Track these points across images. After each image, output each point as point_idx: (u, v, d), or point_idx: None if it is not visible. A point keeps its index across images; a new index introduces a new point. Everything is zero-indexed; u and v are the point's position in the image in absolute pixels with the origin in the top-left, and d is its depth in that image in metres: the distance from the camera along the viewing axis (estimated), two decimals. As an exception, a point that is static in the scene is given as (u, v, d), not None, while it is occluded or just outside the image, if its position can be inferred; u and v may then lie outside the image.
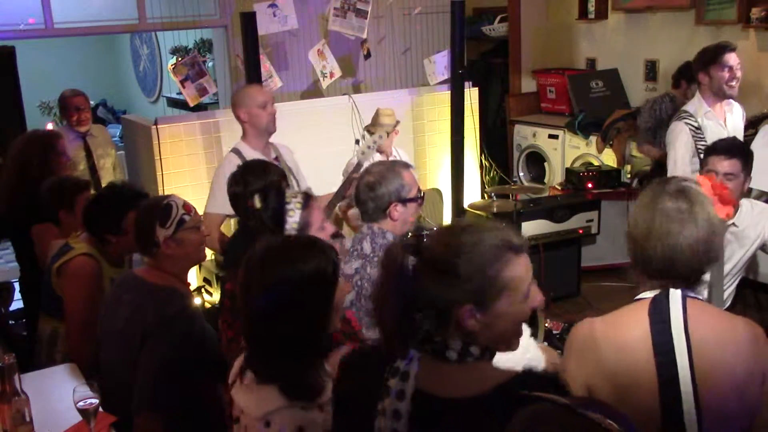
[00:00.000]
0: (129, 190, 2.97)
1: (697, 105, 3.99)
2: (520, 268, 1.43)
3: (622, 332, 1.77)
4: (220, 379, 2.08)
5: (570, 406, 1.11)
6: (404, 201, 2.63)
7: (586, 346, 1.79)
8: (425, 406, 1.38)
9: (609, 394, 1.73)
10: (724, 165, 3.03)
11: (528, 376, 1.42)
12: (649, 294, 1.79)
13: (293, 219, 2.41)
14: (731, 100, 4.07)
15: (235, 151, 3.63)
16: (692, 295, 1.77)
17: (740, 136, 4.09)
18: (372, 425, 1.41)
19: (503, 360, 1.47)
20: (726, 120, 4.02)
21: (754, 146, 3.91)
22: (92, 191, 3.57)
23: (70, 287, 2.84)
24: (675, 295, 1.75)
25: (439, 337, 1.42)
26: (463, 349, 1.40)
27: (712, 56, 3.94)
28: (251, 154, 3.55)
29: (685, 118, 3.93)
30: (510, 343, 1.48)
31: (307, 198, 2.48)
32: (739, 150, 3.14)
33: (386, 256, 1.46)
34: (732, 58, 3.90)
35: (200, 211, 4.82)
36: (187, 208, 2.48)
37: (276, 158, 3.72)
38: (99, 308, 2.68)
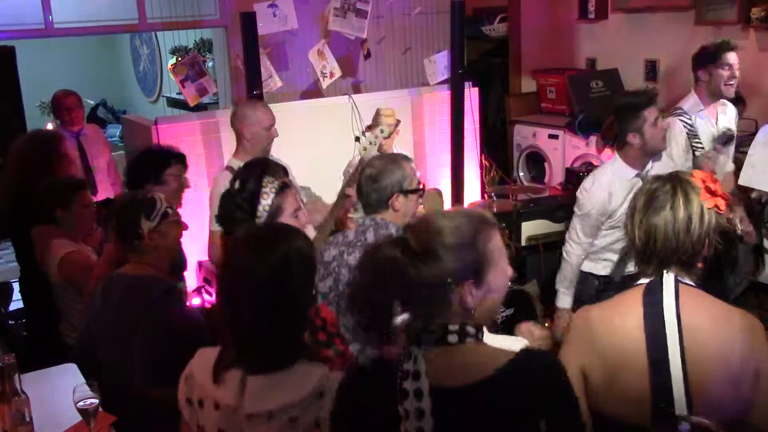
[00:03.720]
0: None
1: (692, 103, 3.99)
2: (498, 240, 1.54)
3: (616, 315, 1.83)
4: None
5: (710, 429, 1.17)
6: (406, 192, 2.66)
7: (583, 328, 1.85)
8: (442, 400, 1.42)
9: (601, 374, 1.79)
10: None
11: (527, 355, 1.49)
12: (645, 280, 1.84)
13: (266, 202, 2.44)
14: (725, 101, 4.07)
15: (229, 168, 3.60)
16: (686, 281, 1.81)
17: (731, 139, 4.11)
18: (395, 430, 1.43)
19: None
20: (717, 120, 4.02)
21: (754, 146, 3.90)
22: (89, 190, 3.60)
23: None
24: (668, 280, 1.79)
25: (436, 324, 1.47)
26: (461, 329, 1.46)
27: (713, 54, 3.93)
28: None
29: (679, 115, 3.93)
30: (494, 316, 1.61)
31: (284, 185, 2.51)
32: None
33: (378, 260, 1.49)
34: (732, 57, 3.90)
35: (196, 212, 4.83)
36: (169, 202, 2.61)
37: None
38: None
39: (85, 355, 2.64)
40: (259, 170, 2.54)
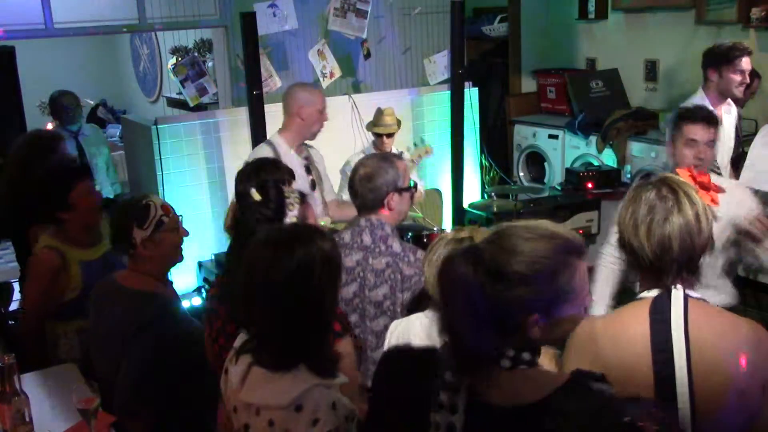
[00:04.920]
0: (66, 167, 3.19)
1: (699, 102, 3.93)
2: (583, 272, 1.42)
3: (621, 329, 1.78)
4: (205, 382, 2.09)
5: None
6: (400, 190, 2.66)
7: (586, 341, 1.79)
8: (479, 416, 1.36)
9: None
10: (706, 134, 2.89)
11: (579, 379, 1.41)
12: (650, 293, 1.79)
13: (293, 213, 2.43)
14: (729, 101, 4.06)
15: (269, 143, 3.70)
16: (694, 295, 1.77)
17: (733, 138, 4.10)
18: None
19: None
20: (722, 120, 4.01)
21: (754, 146, 3.90)
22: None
23: (29, 278, 2.96)
24: (677, 294, 1.75)
25: (492, 348, 1.38)
26: (516, 356, 1.38)
27: (726, 56, 3.88)
28: (284, 149, 3.64)
29: None
30: (562, 340, 1.52)
31: (303, 195, 2.50)
32: (714, 119, 3.02)
33: (450, 271, 1.39)
34: (746, 63, 3.87)
35: (200, 212, 4.83)
36: (166, 209, 2.49)
37: (306, 158, 3.75)
38: (56, 296, 2.82)
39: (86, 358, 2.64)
40: (277, 176, 2.49)
